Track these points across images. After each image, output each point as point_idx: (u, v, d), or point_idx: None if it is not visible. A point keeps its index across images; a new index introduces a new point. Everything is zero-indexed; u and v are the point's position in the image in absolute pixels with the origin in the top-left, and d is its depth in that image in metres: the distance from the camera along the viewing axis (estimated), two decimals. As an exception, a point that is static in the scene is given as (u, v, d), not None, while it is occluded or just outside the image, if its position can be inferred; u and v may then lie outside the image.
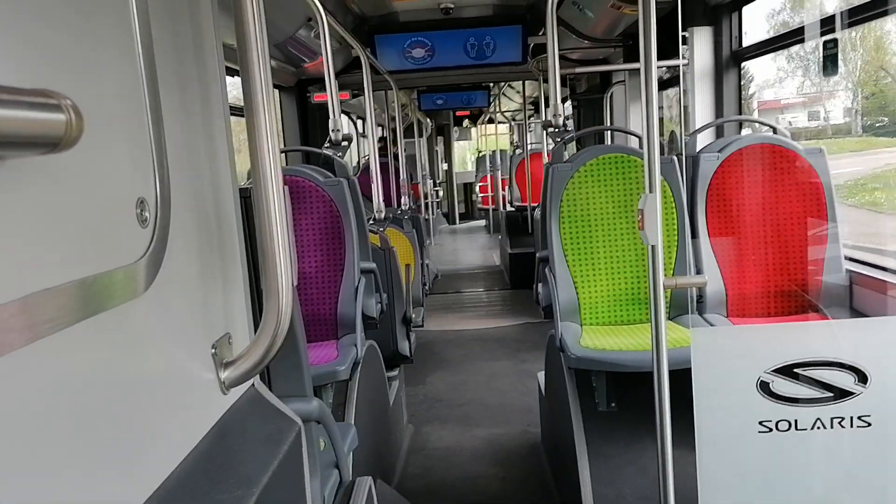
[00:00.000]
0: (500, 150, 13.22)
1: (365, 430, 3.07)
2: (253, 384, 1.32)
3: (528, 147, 9.71)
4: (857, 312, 2.99)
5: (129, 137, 0.90)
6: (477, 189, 14.13)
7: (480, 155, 14.50)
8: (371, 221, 4.33)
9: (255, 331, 1.20)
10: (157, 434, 0.94)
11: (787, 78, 4.59)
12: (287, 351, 1.57)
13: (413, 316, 4.74)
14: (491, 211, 13.15)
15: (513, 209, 9.59)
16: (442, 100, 8.57)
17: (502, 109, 12.39)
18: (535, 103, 11.06)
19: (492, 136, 13.63)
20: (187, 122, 1.12)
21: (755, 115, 4.45)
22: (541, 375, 3.93)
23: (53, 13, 0.75)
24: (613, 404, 2.89)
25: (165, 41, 1.03)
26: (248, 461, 1.14)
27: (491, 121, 13.60)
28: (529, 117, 11.38)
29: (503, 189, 11.49)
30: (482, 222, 15.00)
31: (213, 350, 1.14)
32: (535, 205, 8.19)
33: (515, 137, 11.96)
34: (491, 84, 10.07)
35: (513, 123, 12.25)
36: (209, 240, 1.17)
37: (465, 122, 15.18)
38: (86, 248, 0.78)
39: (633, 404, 2.86)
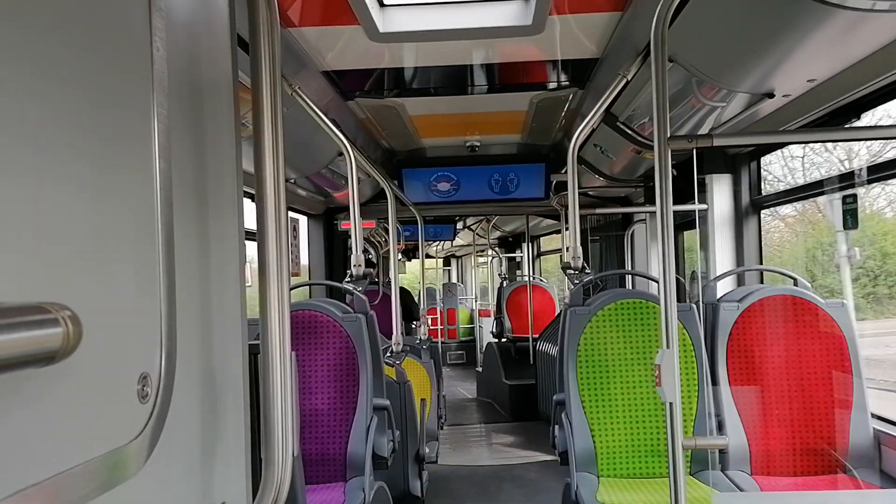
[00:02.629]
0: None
1: None
2: None
3: (531, 278, 9.76)
4: (886, 475, 2.85)
5: (139, 310, 0.87)
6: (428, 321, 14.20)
7: (427, 286, 14.61)
8: (389, 353, 4.30)
9: (254, 499, 1.15)
10: None
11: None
12: None
13: (427, 451, 4.61)
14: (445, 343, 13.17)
15: (504, 340, 9.51)
16: (409, 231, 8.70)
17: (476, 243, 12.61)
18: (519, 236, 11.28)
19: (430, 270, 13.71)
20: (201, 290, 1.11)
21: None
22: None
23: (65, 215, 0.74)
24: None
25: (185, 200, 1.03)
26: None
27: (429, 256, 13.93)
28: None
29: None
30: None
31: None
32: (536, 336, 8.15)
33: (504, 269, 12.08)
34: (457, 219, 10.30)
35: (501, 255, 12.41)
36: (212, 406, 1.14)
37: (399, 256, 15.41)
38: (83, 433, 0.75)
39: None
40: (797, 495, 2.50)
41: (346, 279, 3.55)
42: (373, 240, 8.35)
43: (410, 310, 6.46)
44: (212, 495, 1.12)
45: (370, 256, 8.02)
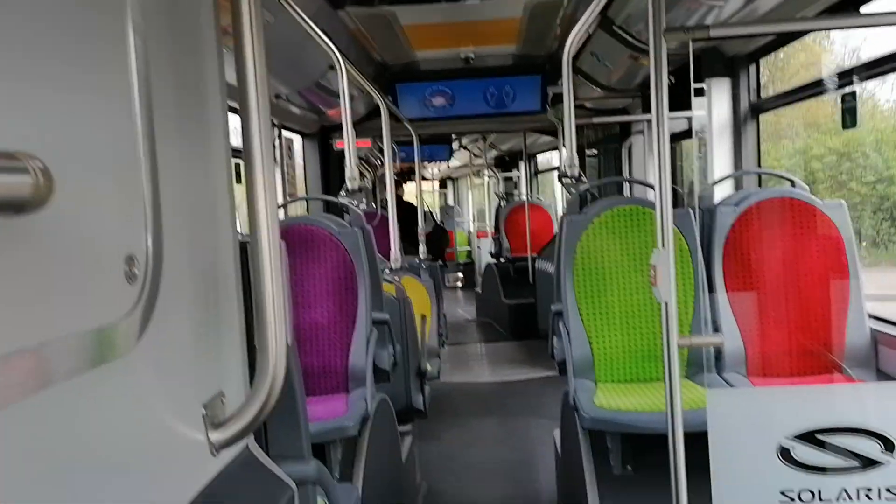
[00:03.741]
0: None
1: (374, 488, 2.98)
2: (247, 445, 1.28)
3: (529, 197, 9.71)
4: (883, 374, 2.88)
5: (122, 191, 0.87)
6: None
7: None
8: (387, 270, 4.30)
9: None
10: (136, 500, 0.89)
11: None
12: (285, 409, 1.52)
13: (428, 368, 4.67)
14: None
15: (503, 260, 9.53)
16: (405, 152, 8.60)
17: (473, 163, 12.50)
18: (516, 154, 11.16)
19: (426, 193, 13.75)
20: (187, 173, 1.10)
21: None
22: (556, 433, 3.83)
23: (40, 54, 0.73)
24: (629, 467, 2.78)
25: (165, 89, 1.02)
26: None
27: (424, 178, 13.85)
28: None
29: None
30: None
31: (204, 410, 1.09)
32: (535, 255, 8.17)
33: (501, 189, 12.00)
34: (454, 137, 10.17)
35: (498, 175, 12.30)
36: (205, 295, 1.14)
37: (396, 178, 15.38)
38: (65, 308, 0.75)
39: (650, 467, 2.75)
40: (790, 389, 2.53)
41: (342, 193, 3.52)
42: (370, 161, 8.27)
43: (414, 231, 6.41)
44: (209, 384, 1.13)
45: (365, 180, 7.96)
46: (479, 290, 10.63)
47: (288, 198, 5.40)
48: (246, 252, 1.29)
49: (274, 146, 5.53)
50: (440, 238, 9.79)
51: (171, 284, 0.99)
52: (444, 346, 6.73)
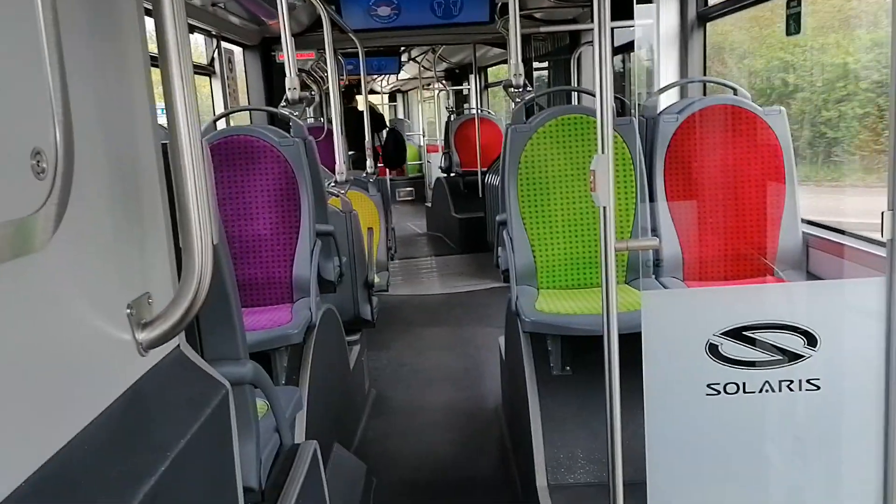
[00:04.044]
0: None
1: (321, 394, 3.03)
2: (178, 346, 1.27)
3: (479, 111, 9.60)
4: (812, 276, 3.00)
5: (24, 84, 0.83)
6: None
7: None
8: (333, 183, 4.25)
9: None
10: (57, 398, 0.89)
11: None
12: (218, 313, 1.52)
13: (377, 280, 4.69)
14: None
15: (453, 174, 9.51)
16: (352, 65, 8.37)
17: (423, 76, 12.28)
18: (466, 67, 10.97)
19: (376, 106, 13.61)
20: (99, 70, 1.05)
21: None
22: (501, 340, 3.92)
23: None
24: (568, 368, 2.88)
25: None
26: (163, 426, 1.10)
27: (373, 91, 13.53)
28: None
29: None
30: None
31: (130, 310, 1.08)
32: (484, 169, 8.17)
33: (451, 103, 11.84)
34: (402, 49, 9.97)
35: (449, 88, 12.11)
36: (125, 195, 1.11)
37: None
38: None
39: (588, 368, 2.85)
40: (719, 289, 2.62)
41: (282, 104, 3.43)
42: (315, 75, 8.04)
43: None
44: (134, 284, 1.11)
45: (312, 93, 7.76)
46: (429, 204, 10.63)
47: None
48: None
49: (213, 57, 5.33)
50: (397, 145, 9.60)
51: (86, 181, 0.96)
52: (394, 258, 6.75)
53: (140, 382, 1.10)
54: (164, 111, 1.11)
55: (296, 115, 3.48)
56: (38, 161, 0.83)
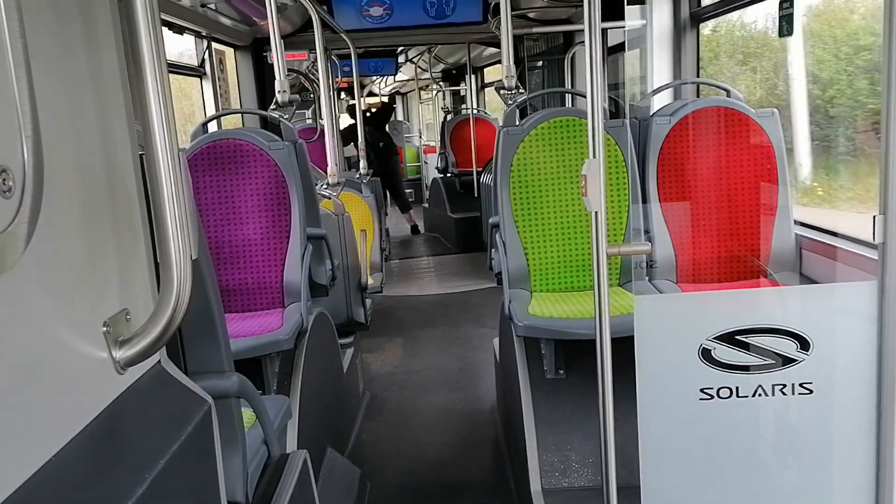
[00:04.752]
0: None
1: (314, 400, 3.01)
2: (159, 362, 1.25)
3: (474, 111, 9.57)
4: (805, 278, 2.99)
5: None
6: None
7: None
8: (325, 186, 4.23)
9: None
10: (30, 420, 0.87)
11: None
12: (201, 325, 1.50)
13: (371, 282, 4.67)
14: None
15: (449, 175, 9.50)
16: (348, 66, 8.37)
17: (420, 77, 12.25)
18: (462, 68, 10.93)
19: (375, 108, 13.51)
20: (70, 79, 1.03)
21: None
22: (496, 342, 3.90)
23: None
24: (562, 371, 2.86)
25: None
26: (142, 445, 1.08)
27: (372, 94, 13.37)
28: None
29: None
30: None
31: (106, 327, 1.06)
32: (480, 169, 8.15)
33: (447, 103, 11.80)
34: (399, 50, 9.94)
35: (445, 88, 12.07)
36: (100, 210, 1.09)
37: (342, 94, 14.68)
38: None
39: (581, 371, 2.83)
40: (713, 293, 2.61)
41: (272, 107, 3.41)
42: (311, 76, 8.01)
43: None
44: (111, 301, 1.09)
45: (311, 96, 7.72)
46: (426, 205, 10.62)
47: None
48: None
49: (204, 59, 5.30)
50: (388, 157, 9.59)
51: (59, 197, 0.94)
52: (388, 259, 6.73)
53: (118, 401, 1.08)
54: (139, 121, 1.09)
55: (286, 118, 3.45)
56: (4, 180, 0.81)
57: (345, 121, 10.07)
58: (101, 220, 1.08)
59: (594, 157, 1.96)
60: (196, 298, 1.12)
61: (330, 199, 4.16)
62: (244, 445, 1.59)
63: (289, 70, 3.69)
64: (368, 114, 9.60)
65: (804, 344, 2.01)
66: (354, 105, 8.78)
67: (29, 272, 0.86)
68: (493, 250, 3.40)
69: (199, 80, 5.40)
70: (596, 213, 1.99)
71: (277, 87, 3.29)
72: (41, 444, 0.88)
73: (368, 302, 4.54)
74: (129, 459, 1.01)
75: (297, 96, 3.50)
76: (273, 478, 1.82)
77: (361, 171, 5.64)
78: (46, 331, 0.92)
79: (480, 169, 8.15)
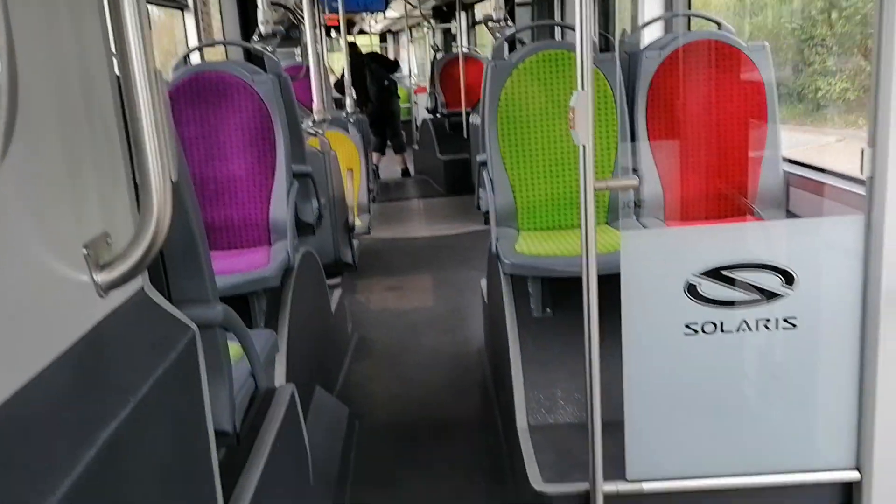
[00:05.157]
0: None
1: (301, 337, 3.02)
2: (142, 288, 1.24)
3: (464, 49, 9.39)
4: (793, 216, 2.98)
5: None
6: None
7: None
8: (311, 123, 4.17)
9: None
10: (8, 340, 0.85)
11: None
12: (184, 254, 1.48)
13: (358, 223, 4.65)
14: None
15: (438, 115, 9.37)
16: (337, 1, 8.17)
17: (410, 14, 11.98)
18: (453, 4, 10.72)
19: (365, 47, 13.18)
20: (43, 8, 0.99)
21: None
22: (483, 282, 3.91)
23: None
24: (548, 310, 2.87)
25: None
26: (126, 368, 1.07)
27: (362, 32, 13.01)
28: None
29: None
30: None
31: (86, 250, 1.04)
32: (469, 110, 8.03)
33: (437, 40, 11.56)
34: None
35: (436, 26, 11.81)
36: (78, 131, 1.06)
37: (333, 33, 14.26)
38: None
39: (568, 310, 2.84)
40: (698, 229, 2.61)
41: (254, 38, 3.32)
42: (298, 12, 7.82)
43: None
44: (91, 224, 1.07)
45: (298, 34, 7.55)
46: (415, 146, 10.51)
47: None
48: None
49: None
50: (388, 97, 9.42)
51: (35, 115, 0.92)
52: (375, 201, 6.69)
53: (100, 326, 1.07)
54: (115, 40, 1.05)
55: (269, 51, 3.37)
56: None
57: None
58: (79, 142, 1.06)
59: (583, 88, 1.92)
60: (178, 224, 1.10)
61: (316, 136, 4.10)
62: (230, 376, 1.59)
63: (273, 2, 3.59)
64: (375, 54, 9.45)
65: (789, 279, 2.01)
66: (355, 43, 8.62)
67: (6, 191, 0.84)
68: (480, 189, 3.37)
69: (181, 13, 5.25)
70: (584, 146, 1.97)
71: (260, 17, 3.21)
72: (20, 364, 0.87)
73: (356, 243, 4.52)
74: (112, 382, 1.01)
75: (281, 27, 3.41)
76: (261, 410, 1.83)
77: (348, 108, 5.56)
78: (25, 251, 0.90)
79: (470, 109, 8.04)
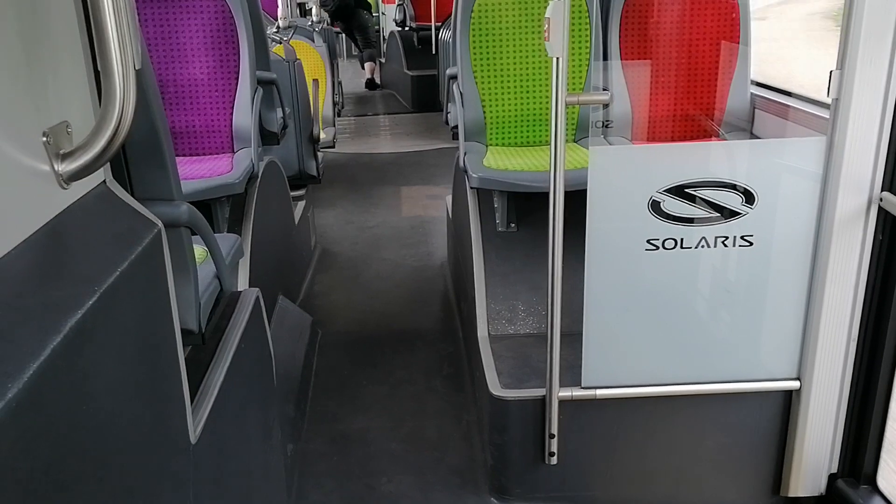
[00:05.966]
0: None
1: (265, 245, 3.01)
2: (104, 182, 1.21)
3: None
4: (755, 137, 3.02)
5: None
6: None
7: None
8: (275, 30, 4.04)
9: None
10: None
11: None
12: (148, 149, 1.45)
13: (323, 135, 4.58)
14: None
15: (407, 29, 9.13)
16: None
17: None
18: None
19: None
20: None
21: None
22: (448, 199, 3.91)
23: None
24: (513, 225, 2.90)
25: None
26: (90, 260, 1.06)
27: None
28: None
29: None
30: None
31: (46, 138, 1.01)
32: (439, 24, 7.84)
33: None
34: None
35: None
36: (33, 13, 1.01)
37: None
38: None
39: (533, 224, 2.87)
40: (665, 147, 2.63)
41: None
42: None
43: None
44: (49, 111, 1.04)
45: None
46: (382, 59, 10.27)
47: None
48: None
49: None
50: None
51: None
52: (340, 114, 6.57)
53: (62, 217, 1.05)
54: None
55: None
56: None
57: None
58: (33, 24, 1.01)
59: (559, -1, 1.90)
60: (141, 117, 1.07)
61: (280, 44, 3.99)
62: (195, 275, 1.59)
63: None
64: None
65: (749, 198, 2.06)
66: None
67: None
68: (449, 103, 3.34)
69: None
70: (557, 58, 1.95)
71: None
72: None
73: (321, 156, 4.47)
74: (75, 272, 1.00)
75: None
76: (226, 312, 1.84)
77: (314, 17, 5.39)
78: None
79: (440, 24, 7.85)
